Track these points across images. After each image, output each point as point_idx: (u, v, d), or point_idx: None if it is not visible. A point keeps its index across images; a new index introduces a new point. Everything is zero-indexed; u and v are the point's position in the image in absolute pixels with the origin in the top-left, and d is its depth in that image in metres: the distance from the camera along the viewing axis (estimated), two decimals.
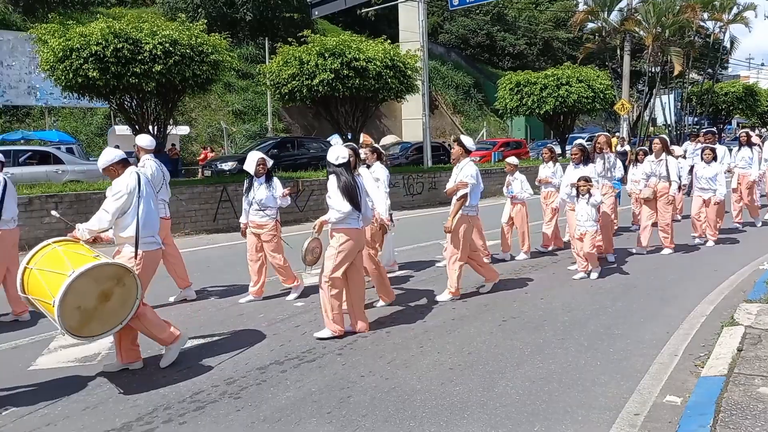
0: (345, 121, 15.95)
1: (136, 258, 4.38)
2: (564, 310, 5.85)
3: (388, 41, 15.55)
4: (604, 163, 8.08)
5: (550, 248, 8.73)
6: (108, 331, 4.15)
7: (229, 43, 12.57)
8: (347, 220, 5.03)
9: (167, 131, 12.75)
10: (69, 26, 10.70)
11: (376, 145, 7.85)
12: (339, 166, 5.05)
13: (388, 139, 31.63)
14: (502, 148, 24.94)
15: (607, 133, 8.48)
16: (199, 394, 4.06)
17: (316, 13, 20.36)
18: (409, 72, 15.53)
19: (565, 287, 6.77)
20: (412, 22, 29.65)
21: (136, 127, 12.23)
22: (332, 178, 5.06)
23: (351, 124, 16.07)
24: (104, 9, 30.46)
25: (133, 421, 3.68)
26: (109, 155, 4.47)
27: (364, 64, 14.00)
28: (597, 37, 34.56)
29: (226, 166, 16.54)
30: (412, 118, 33.18)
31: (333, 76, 13.81)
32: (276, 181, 6.42)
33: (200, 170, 20.69)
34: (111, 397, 4.06)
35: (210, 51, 11.46)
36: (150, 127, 12.25)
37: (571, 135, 23.63)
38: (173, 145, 21.91)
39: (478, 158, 22.96)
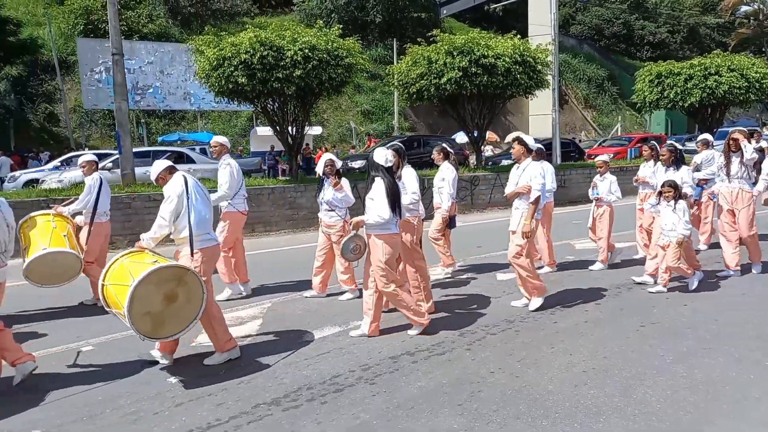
0: (471, 118, 15.92)
1: (192, 256, 4.56)
2: (709, 318, 5.46)
3: (518, 36, 15.26)
4: (740, 163, 6.92)
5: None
6: (184, 329, 4.37)
7: (360, 45, 13.08)
8: (387, 225, 5.00)
9: (304, 131, 13.54)
10: (222, 37, 11.79)
11: (444, 145, 7.80)
12: (387, 169, 5.03)
13: (513, 136, 31.00)
14: (639, 144, 23.42)
15: (743, 129, 7.46)
16: (337, 378, 4.36)
17: (445, 11, 20.47)
18: (540, 67, 15.13)
19: (710, 294, 6.30)
20: (542, 16, 28.72)
21: (277, 128, 13.15)
22: (379, 181, 4.98)
23: (477, 122, 16.00)
24: (248, 19, 32.86)
25: (281, 397, 4.05)
26: (158, 166, 4.76)
27: (493, 60, 13.87)
28: (752, 21, 31.17)
29: (356, 164, 17.18)
30: (539, 113, 32.16)
31: (461, 74, 13.84)
32: (343, 182, 6.45)
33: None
34: (261, 374, 4.48)
35: (345, 55, 12.02)
36: (289, 128, 13.11)
37: (720, 129, 21.59)
38: (307, 144, 23.18)
39: (612, 155, 21.78)
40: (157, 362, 4.73)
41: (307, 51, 11.37)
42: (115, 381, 4.41)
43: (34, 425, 3.73)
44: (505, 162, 19.29)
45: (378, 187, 4.96)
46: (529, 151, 5.82)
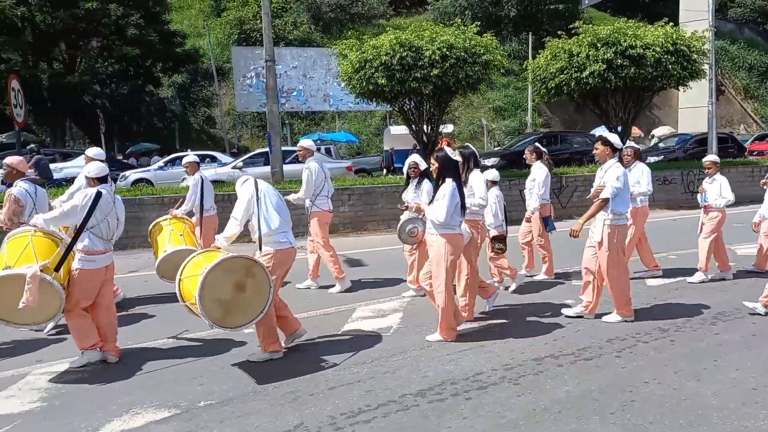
0: (615, 113, 15.06)
1: (261, 255, 4.70)
2: None
3: (670, 24, 14.17)
4: None
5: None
6: (251, 320, 4.50)
7: (496, 41, 12.94)
8: (451, 224, 4.93)
9: (439, 130, 13.69)
10: (364, 40, 12.28)
11: (537, 144, 7.52)
12: (455, 169, 5.03)
13: (661, 131, 28.78)
14: None
15: None
16: (480, 375, 4.39)
17: (586, 2, 19.48)
18: (695, 56, 13.92)
19: None
20: (695, 0, 26.38)
21: (413, 126, 13.42)
22: (449, 182, 4.93)
23: (622, 116, 15.10)
24: (384, 21, 33.77)
25: (426, 390, 4.17)
26: (241, 180, 4.97)
27: (641, 51, 13.02)
28: None
29: (489, 162, 16.94)
30: (690, 106, 29.57)
31: (605, 66, 13.15)
32: (424, 184, 6.29)
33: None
34: (405, 366, 4.64)
35: (482, 52, 11.96)
36: (424, 127, 13.31)
37: None
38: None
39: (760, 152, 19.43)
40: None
41: (444, 50, 11.47)
42: (274, 363, 4.81)
43: (208, 396, 4.19)
44: (651, 159, 17.96)
45: (447, 188, 4.92)
46: (614, 150, 5.40)
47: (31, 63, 23.20)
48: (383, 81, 11.51)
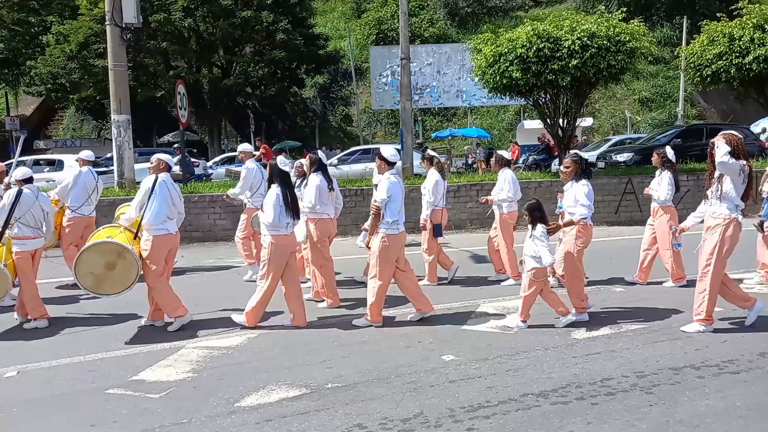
0: None
1: (137, 239, 5.60)
2: None
3: None
4: None
5: None
6: (119, 292, 5.46)
7: (645, 27, 12.03)
8: (278, 226, 5.46)
9: (576, 123, 13.07)
10: (499, 34, 12.07)
11: (430, 151, 7.75)
12: (285, 176, 5.70)
13: None
14: None
15: None
16: (609, 381, 4.18)
17: None
18: None
19: None
20: None
21: (548, 120, 12.94)
22: (274, 188, 5.51)
23: None
24: (523, 12, 32.91)
25: (549, 391, 4.06)
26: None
27: None
28: None
29: (621, 157, 15.68)
30: None
31: None
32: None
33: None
34: (528, 366, 4.55)
35: (627, 39, 11.20)
36: (560, 121, 12.78)
37: None
38: (575, 137, 22.26)
39: None
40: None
41: (585, 39, 10.91)
42: (398, 351, 4.97)
43: (336, 379, 4.44)
44: None
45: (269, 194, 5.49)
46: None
47: (195, 69, 25.80)
48: (518, 74, 11.20)
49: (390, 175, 5.60)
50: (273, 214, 5.37)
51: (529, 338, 5.15)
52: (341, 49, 31.30)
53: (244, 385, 4.34)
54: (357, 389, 4.22)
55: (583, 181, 5.55)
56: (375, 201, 5.52)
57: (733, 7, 13.38)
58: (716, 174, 4.95)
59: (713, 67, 13.03)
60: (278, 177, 5.57)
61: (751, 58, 12.05)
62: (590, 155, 14.81)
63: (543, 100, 12.76)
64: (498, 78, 11.69)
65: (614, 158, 15.67)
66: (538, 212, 5.38)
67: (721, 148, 4.74)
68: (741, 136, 4.99)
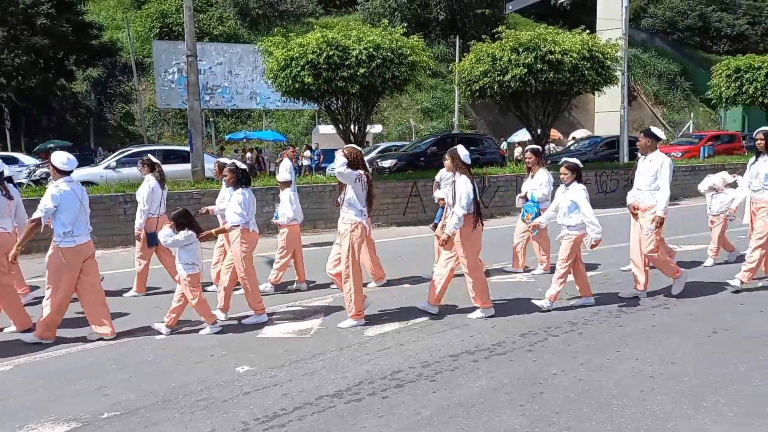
0: (535, 116, 15.60)
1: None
2: None
3: (587, 31, 14.84)
4: None
5: None
6: None
7: (423, 43, 13.09)
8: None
9: (366, 130, 13.68)
10: (290, 38, 12.09)
11: (150, 156, 7.44)
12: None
13: (579, 133, 30.17)
14: (711, 142, 22.32)
15: None
16: (398, 373, 4.41)
17: (510, 7, 20.19)
18: (608, 63, 14.65)
19: None
20: (611, 9, 27.83)
21: (340, 126, 13.36)
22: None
23: (541, 119, 15.67)
24: (314, 19, 33.48)
25: (343, 390, 4.15)
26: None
27: (560, 56, 13.55)
28: None
29: (386, 163, 16.87)
30: (605, 110, 31.18)
31: (526, 71, 13.60)
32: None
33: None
34: (324, 367, 4.60)
35: (408, 53, 12.06)
36: (352, 126, 13.28)
37: None
38: (367, 142, 23.42)
39: (680, 153, 20.84)
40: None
41: (371, 50, 11.48)
42: (187, 368, 4.64)
43: (112, 408, 3.99)
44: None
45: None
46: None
47: None
48: (310, 79, 11.38)
49: (62, 182, 5.16)
50: None
51: (326, 340, 5.21)
52: (119, 41, 28.57)
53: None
54: (139, 415, 3.84)
55: (240, 190, 5.83)
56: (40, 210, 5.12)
57: (494, 30, 15.20)
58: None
59: (480, 83, 14.60)
60: None
61: (510, 76, 13.78)
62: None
63: (335, 106, 13.13)
64: (290, 82, 11.73)
65: (380, 164, 16.76)
66: (183, 219, 5.51)
67: (338, 160, 5.26)
68: (360, 150, 5.52)
